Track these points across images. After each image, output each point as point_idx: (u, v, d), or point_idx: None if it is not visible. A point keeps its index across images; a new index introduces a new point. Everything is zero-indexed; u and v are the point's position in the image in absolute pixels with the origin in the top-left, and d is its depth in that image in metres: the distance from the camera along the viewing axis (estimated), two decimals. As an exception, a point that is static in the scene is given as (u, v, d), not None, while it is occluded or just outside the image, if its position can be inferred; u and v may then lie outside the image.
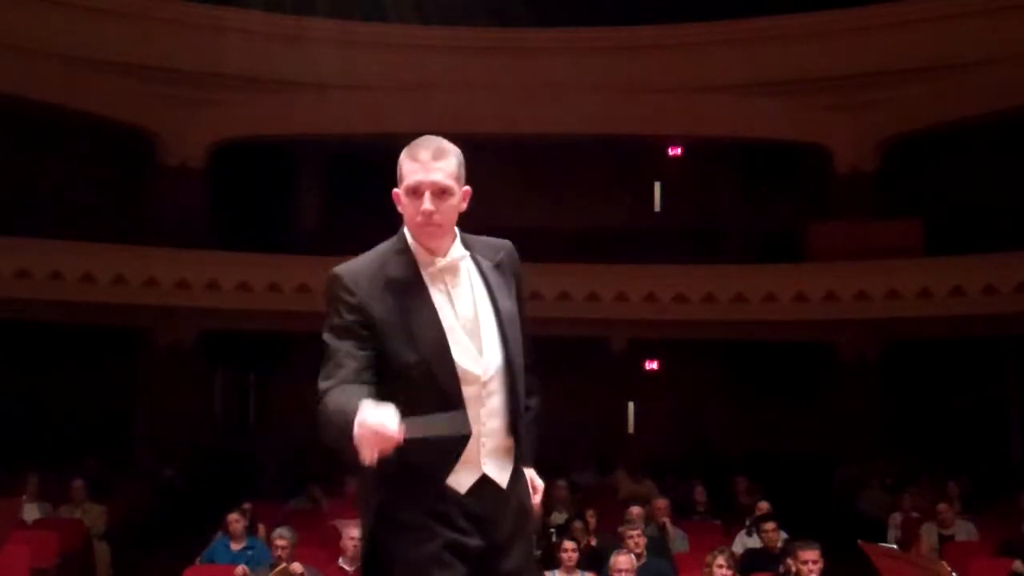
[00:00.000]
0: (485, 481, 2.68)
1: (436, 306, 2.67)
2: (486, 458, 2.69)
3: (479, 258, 2.78)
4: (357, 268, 2.70)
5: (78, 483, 10.66)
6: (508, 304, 2.75)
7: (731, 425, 17.85)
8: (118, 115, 16.77)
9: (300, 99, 16.99)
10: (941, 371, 17.47)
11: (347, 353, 2.60)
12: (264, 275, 16.05)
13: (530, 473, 2.85)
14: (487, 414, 2.68)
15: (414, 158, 2.71)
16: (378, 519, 2.66)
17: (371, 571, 2.72)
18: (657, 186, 18.97)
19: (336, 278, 2.67)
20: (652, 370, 18.49)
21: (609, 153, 18.20)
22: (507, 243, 2.86)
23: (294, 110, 17.01)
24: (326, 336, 2.63)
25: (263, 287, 15.99)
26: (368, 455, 2.32)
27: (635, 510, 9.08)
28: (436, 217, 2.66)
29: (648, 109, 17.12)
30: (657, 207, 19.12)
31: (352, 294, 2.62)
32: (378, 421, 2.30)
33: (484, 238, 2.85)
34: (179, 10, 16.54)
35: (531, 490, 2.84)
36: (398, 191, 2.74)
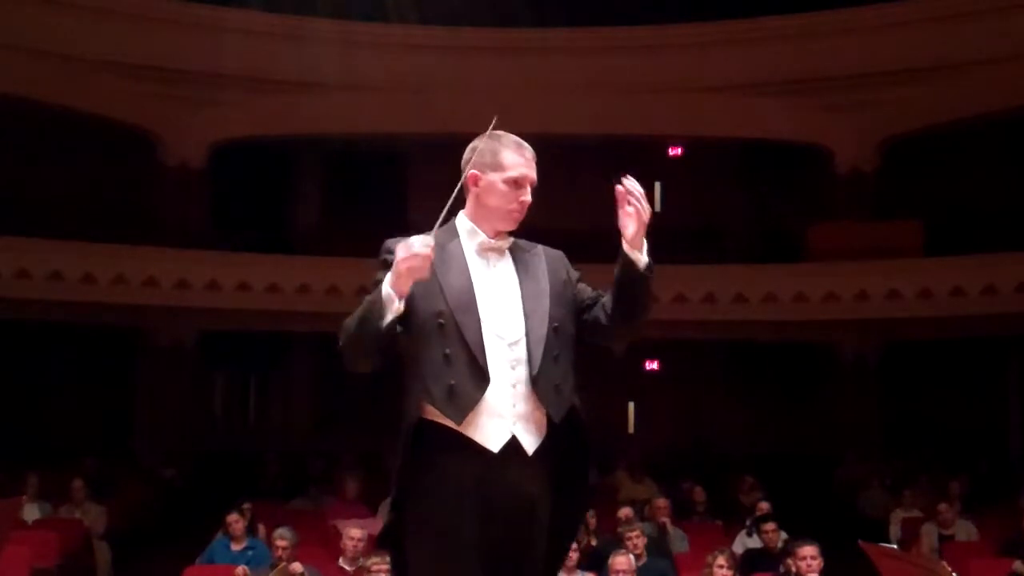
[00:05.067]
0: (515, 444, 2.80)
1: (470, 268, 2.88)
2: (517, 420, 2.81)
3: (518, 248, 3.01)
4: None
5: (78, 483, 10.66)
6: (536, 281, 2.93)
7: (731, 425, 17.84)
8: (118, 115, 16.75)
9: (300, 99, 16.97)
10: (941, 371, 17.46)
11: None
12: (264, 275, 16.03)
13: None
14: (516, 378, 2.83)
15: (521, 153, 2.99)
16: (404, 489, 2.81)
17: (394, 534, 2.88)
18: (657, 186, 18.95)
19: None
20: (652, 370, 18.48)
21: (609, 153, 18.19)
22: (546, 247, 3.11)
23: (294, 110, 16.98)
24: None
25: (263, 287, 15.98)
26: (405, 283, 2.65)
27: (624, 512, 9.10)
28: (526, 209, 2.97)
29: (648, 109, 17.11)
30: (657, 207, 19.12)
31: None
32: (407, 248, 2.63)
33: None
34: (179, 10, 16.51)
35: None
36: (479, 173, 2.95)
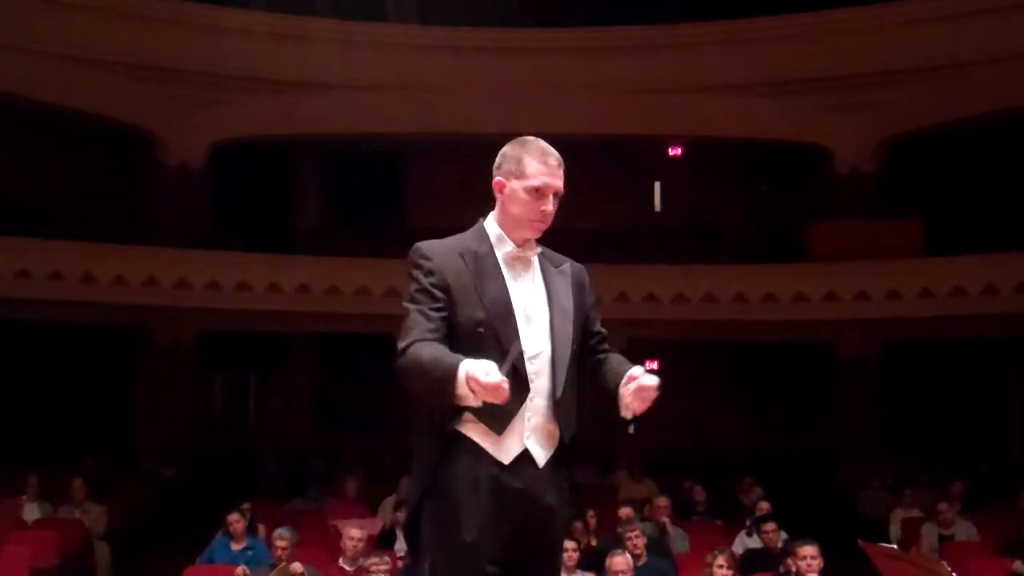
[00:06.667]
0: (525, 456, 2.83)
1: (506, 279, 2.88)
2: (529, 432, 2.84)
3: (546, 261, 2.99)
4: (434, 241, 2.93)
5: (78, 483, 10.65)
6: (563, 303, 2.94)
7: (731, 425, 17.83)
8: (118, 115, 16.76)
9: (300, 99, 16.97)
10: (941, 371, 17.46)
11: (419, 313, 2.81)
12: (264, 275, 16.03)
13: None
14: (534, 391, 2.84)
15: (544, 161, 2.91)
16: (428, 489, 2.83)
17: (413, 536, 2.92)
18: (657, 186, 18.95)
19: (415, 248, 2.90)
20: (652, 370, 18.39)
21: (609, 153, 18.20)
22: (572, 261, 3.08)
23: (294, 110, 16.99)
24: (405, 303, 2.85)
25: (263, 287, 15.98)
26: (479, 398, 2.59)
27: (624, 511, 9.09)
28: (549, 219, 2.92)
29: (648, 109, 17.12)
30: (657, 207, 19.12)
31: (428, 259, 2.85)
32: (490, 376, 2.55)
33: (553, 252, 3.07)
34: (179, 10, 16.53)
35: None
36: (504, 180, 2.92)
